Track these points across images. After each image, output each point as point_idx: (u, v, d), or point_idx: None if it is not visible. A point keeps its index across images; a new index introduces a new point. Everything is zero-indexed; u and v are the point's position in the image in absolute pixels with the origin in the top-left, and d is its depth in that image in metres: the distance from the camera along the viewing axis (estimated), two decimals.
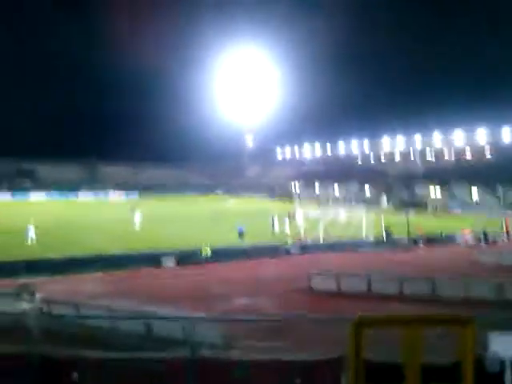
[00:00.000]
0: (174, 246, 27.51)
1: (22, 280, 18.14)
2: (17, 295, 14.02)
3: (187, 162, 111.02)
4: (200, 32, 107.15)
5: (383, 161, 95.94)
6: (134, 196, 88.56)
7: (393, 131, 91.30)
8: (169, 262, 24.99)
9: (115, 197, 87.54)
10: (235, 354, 7.75)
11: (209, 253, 25.94)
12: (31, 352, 7.00)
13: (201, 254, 25.88)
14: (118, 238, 32.41)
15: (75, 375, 7.03)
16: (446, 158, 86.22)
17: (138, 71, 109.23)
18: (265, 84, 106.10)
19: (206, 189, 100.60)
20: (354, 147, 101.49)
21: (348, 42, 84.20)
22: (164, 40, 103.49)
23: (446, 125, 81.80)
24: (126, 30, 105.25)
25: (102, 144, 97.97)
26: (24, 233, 29.64)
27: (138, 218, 39.19)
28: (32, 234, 29.46)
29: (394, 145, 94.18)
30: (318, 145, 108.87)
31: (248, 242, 30.85)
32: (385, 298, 16.60)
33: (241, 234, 32.06)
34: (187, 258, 25.70)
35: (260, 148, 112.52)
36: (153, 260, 24.87)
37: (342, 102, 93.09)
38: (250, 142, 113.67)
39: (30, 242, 28.91)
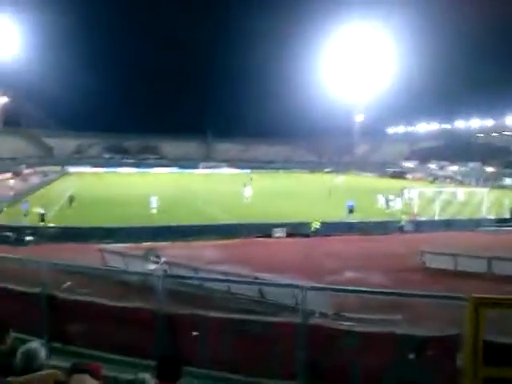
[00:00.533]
0: (284, 219, 28.04)
1: (148, 244, 19.92)
2: (144, 257, 15.47)
3: (296, 139, 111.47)
4: (310, 8, 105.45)
5: (507, 137, 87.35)
6: (246, 171, 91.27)
7: None
8: (279, 233, 25.57)
9: (228, 171, 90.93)
10: (345, 324, 7.79)
11: (318, 226, 26.01)
12: (157, 308, 7.73)
13: (310, 228, 26.06)
14: (232, 209, 33.87)
15: (195, 333, 7.64)
16: None
17: (251, 55, 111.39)
18: (377, 61, 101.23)
19: (315, 166, 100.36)
20: (474, 124, 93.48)
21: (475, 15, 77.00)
22: (274, 22, 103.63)
23: None
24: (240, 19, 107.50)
25: (217, 123, 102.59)
26: (148, 203, 32.24)
27: (248, 192, 40.58)
28: (155, 203, 31.95)
29: None
30: (434, 123, 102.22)
31: (358, 217, 30.36)
32: (506, 279, 15.40)
33: (351, 210, 31.58)
34: (297, 230, 26.07)
35: (371, 126, 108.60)
36: (264, 230, 25.63)
37: (462, 78, 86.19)
38: (360, 120, 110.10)
39: (153, 211, 31.38)
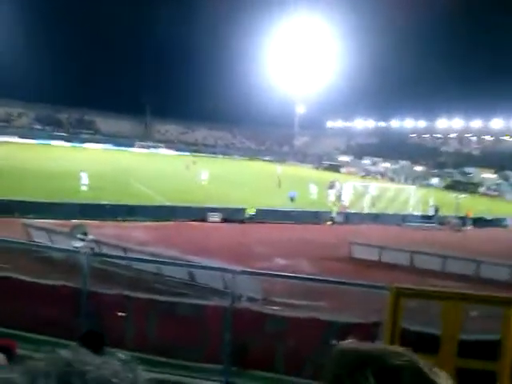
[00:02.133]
0: (220, 204, 28.06)
1: (76, 222, 19.19)
2: (71, 234, 14.90)
3: (237, 125, 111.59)
4: None
5: (437, 140, 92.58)
6: (185, 153, 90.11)
7: (450, 113, 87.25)
8: (214, 218, 25.56)
9: (166, 152, 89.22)
10: (271, 309, 7.96)
11: (253, 213, 26.27)
12: (82, 287, 7.49)
13: (244, 213, 26.26)
14: (168, 190, 33.33)
15: (121, 313, 7.49)
16: (504, 143, 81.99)
17: (196, 33, 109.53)
18: (321, 55, 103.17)
19: (254, 153, 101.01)
20: (408, 124, 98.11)
21: (418, 16, 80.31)
22: (220, 6, 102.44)
23: (507, 110, 77.43)
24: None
25: (158, 102, 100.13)
26: (79, 178, 30.96)
27: (204, 175, 41.82)
28: (86, 180, 30.75)
29: (450, 126, 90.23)
30: (370, 120, 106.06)
31: (294, 207, 31.08)
32: (427, 273, 16.41)
33: (292, 199, 32.55)
34: (232, 216, 26.18)
35: (311, 118, 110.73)
36: (199, 215, 25.51)
37: (400, 78, 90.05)
38: (301, 112, 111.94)
39: (83, 187, 30.19)
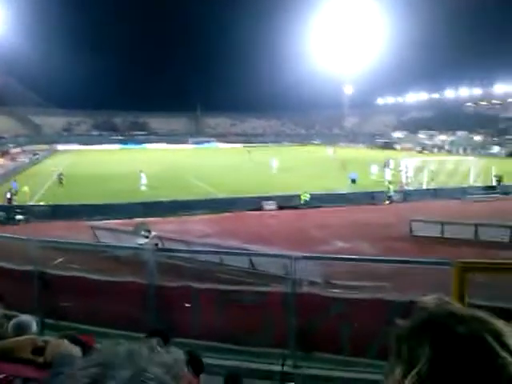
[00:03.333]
0: (275, 192, 28.15)
1: (139, 220, 19.94)
2: (135, 232, 15.51)
3: (285, 113, 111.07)
4: None
5: (496, 106, 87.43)
6: (236, 145, 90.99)
7: (507, 77, 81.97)
8: (270, 206, 25.68)
9: (219, 145, 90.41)
10: (333, 292, 7.95)
11: (308, 198, 26.15)
12: (149, 282, 7.81)
13: (300, 199, 26.19)
14: (224, 182, 33.86)
15: (187, 305, 7.75)
16: None
17: (239, 29, 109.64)
18: (366, 32, 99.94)
19: (304, 138, 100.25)
20: (463, 93, 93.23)
21: None
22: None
23: None
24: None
25: (206, 98, 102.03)
26: (139, 178, 32.10)
27: (275, 163, 43.28)
28: (144, 180, 31.83)
29: (508, 90, 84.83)
30: (422, 93, 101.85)
31: (352, 188, 30.68)
32: (493, 245, 15.71)
33: (353, 181, 32.07)
34: (287, 203, 26.20)
35: (360, 98, 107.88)
36: (255, 203, 25.72)
37: (450, 47, 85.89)
38: (349, 92, 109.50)
39: (143, 187, 31.26)
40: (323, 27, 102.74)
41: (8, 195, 25.54)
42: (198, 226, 21.58)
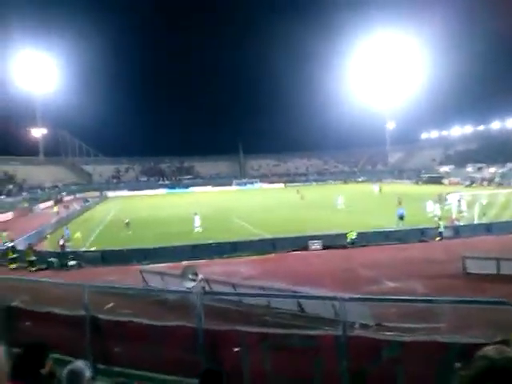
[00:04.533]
0: (320, 230, 27.86)
1: (186, 263, 20.17)
2: (182, 276, 15.66)
3: (327, 151, 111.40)
4: (336, 20, 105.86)
5: None
6: (279, 185, 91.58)
7: None
8: (315, 246, 25.38)
9: (261, 186, 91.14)
10: (386, 334, 7.67)
11: (354, 237, 25.69)
12: (197, 326, 7.82)
13: (346, 238, 25.76)
14: (273, 222, 33.90)
15: (236, 349, 7.67)
16: None
17: (277, 69, 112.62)
18: (406, 66, 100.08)
19: (348, 176, 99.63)
20: (509, 124, 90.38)
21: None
22: (301, 36, 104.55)
23: None
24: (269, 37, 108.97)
25: (248, 140, 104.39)
26: (193, 221, 32.62)
27: (340, 200, 43.42)
28: (198, 222, 32.35)
29: None
30: (468, 126, 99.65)
31: (400, 225, 29.91)
32: None
33: (401, 217, 31.18)
34: (333, 242, 25.81)
35: (403, 133, 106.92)
36: (300, 243, 25.50)
37: (494, 78, 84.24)
38: (392, 127, 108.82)
39: (196, 229, 31.78)
40: (364, 64, 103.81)
41: (61, 242, 26.57)
42: (243, 267, 21.55)
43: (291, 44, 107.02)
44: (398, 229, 28.86)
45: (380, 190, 62.28)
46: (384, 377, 6.64)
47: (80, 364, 3.77)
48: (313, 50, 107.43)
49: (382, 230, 28.28)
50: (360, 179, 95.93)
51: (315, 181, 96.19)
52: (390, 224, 30.32)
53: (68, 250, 26.03)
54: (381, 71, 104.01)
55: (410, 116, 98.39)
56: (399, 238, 26.68)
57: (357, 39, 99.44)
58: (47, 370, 3.54)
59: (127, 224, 35.08)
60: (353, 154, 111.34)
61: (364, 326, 8.99)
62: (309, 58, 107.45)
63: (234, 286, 13.71)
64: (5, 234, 29.12)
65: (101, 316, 8.85)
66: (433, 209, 35.54)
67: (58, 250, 25.48)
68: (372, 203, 46.04)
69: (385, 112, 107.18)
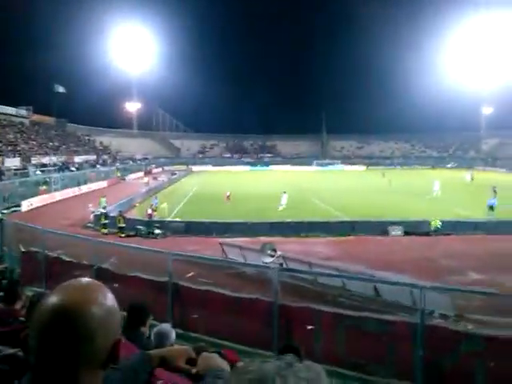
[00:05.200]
0: (402, 216, 26.96)
1: (264, 239, 20.53)
2: (261, 251, 16.00)
3: (416, 135, 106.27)
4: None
5: None
6: (360, 167, 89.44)
7: None
8: (396, 232, 24.62)
9: (342, 168, 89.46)
10: (467, 327, 7.37)
11: (439, 224, 24.53)
12: (273, 300, 8.00)
13: (430, 225, 24.68)
14: (355, 206, 33.39)
15: (310, 327, 7.77)
16: None
17: (366, 49, 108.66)
18: (505, 49, 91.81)
19: (435, 162, 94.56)
20: None
21: None
22: (392, 14, 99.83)
23: None
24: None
25: (332, 120, 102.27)
26: (280, 198, 32.97)
27: (437, 186, 40.85)
28: (285, 201, 32.86)
29: None
30: None
31: (490, 216, 28.10)
32: None
33: (491, 208, 29.27)
34: (415, 229, 24.87)
35: (500, 118, 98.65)
36: (380, 228, 24.88)
37: None
38: (488, 113, 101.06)
39: (281, 207, 32.20)
40: (461, 42, 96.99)
41: (149, 211, 28.14)
42: (320, 247, 21.52)
43: (380, 22, 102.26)
44: (487, 219, 27.12)
45: (472, 178, 58.52)
46: (461, 372, 6.41)
47: (167, 326, 4.07)
48: (405, 30, 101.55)
49: (469, 220, 26.76)
50: (449, 165, 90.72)
51: (400, 165, 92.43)
52: (480, 215, 28.52)
53: (155, 219, 27.50)
54: (479, 52, 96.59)
55: (508, 100, 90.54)
56: (489, 229, 25.06)
57: (455, 18, 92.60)
58: (146, 329, 3.82)
59: (228, 197, 36.78)
60: (442, 139, 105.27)
61: (443, 317, 8.70)
62: (400, 38, 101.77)
63: (310, 264, 13.77)
64: (104, 199, 31.32)
65: (182, 283, 9.36)
66: None
67: (146, 219, 27.02)
68: (463, 192, 43.46)
69: (481, 96, 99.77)
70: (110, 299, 1.18)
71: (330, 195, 40.98)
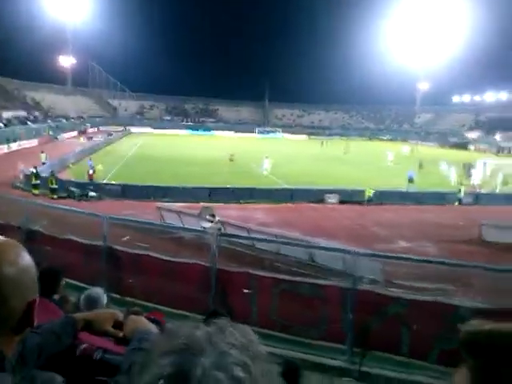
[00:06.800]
0: (337, 185, 27.76)
1: (204, 204, 20.44)
2: (200, 216, 15.93)
3: (354, 106, 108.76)
4: None
5: None
6: (301, 136, 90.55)
7: None
8: (332, 200, 25.37)
9: (283, 136, 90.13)
10: (394, 291, 7.76)
11: (372, 194, 25.55)
12: (211, 265, 8.02)
13: (363, 195, 25.65)
14: (292, 173, 33.84)
15: (246, 290, 7.89)
16: None
17: (310, 21, 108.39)
18: (444, 26, 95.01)
19: (371, 133, 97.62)
20: None
21: None
22: None
23: None
24: None
25: (275, 88, 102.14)
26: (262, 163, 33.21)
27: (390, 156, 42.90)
28: (267, 165, 33.64)
29: None
30: (503, 93, 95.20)
31: (416, 188, 29.52)
32: None
33: (411, 180, 30.70)
34: (350, 198, 25.76)
35: (435, 94, 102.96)
36: (317, 196, 25.51)
37: None
38: (424, 88, 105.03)
39: (265, 172, 32.44)
40: (400, 20, 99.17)
41: (90, 171, 27.23)
42: (259, 214, 21.78)
43: None
44: (416, 190, 28.54)
45: (412, 151, 60.71)
46: (388, 333, 6.78)
47: (97, 290, 3.92)
48: (350, 2, 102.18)
49: (399, 190, 28.05)
50: (385, 137, 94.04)
51: (339, 135, 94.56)
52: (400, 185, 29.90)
53: (94, 181, 26.56)
54: (418, 28, 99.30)
55: (443, 77, 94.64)
56: (417, 200, 26.47)
57: None
58: (60, 296, 3.66)
59: (231, 159, 37.64)
60: (379, 111, 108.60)
61: (373, 282, 9.11)
62: (345, 8, 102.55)
63: (248, 230, 13.91)
64: (44, 154, 29.84)
65: (117, 247, 9.13)
66: (447, 170, 35.20)
67: (87, 180, 26.06)
68: (408, 164, 45.05)
69: (418, 71, 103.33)
70: (23, 258, 1.08)
71: (274, 163, 41.19)
